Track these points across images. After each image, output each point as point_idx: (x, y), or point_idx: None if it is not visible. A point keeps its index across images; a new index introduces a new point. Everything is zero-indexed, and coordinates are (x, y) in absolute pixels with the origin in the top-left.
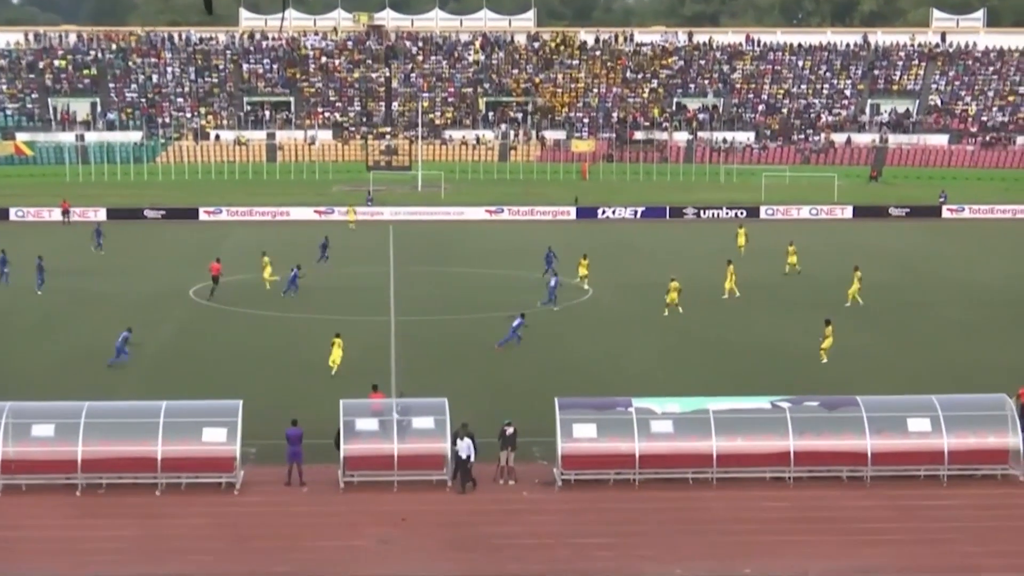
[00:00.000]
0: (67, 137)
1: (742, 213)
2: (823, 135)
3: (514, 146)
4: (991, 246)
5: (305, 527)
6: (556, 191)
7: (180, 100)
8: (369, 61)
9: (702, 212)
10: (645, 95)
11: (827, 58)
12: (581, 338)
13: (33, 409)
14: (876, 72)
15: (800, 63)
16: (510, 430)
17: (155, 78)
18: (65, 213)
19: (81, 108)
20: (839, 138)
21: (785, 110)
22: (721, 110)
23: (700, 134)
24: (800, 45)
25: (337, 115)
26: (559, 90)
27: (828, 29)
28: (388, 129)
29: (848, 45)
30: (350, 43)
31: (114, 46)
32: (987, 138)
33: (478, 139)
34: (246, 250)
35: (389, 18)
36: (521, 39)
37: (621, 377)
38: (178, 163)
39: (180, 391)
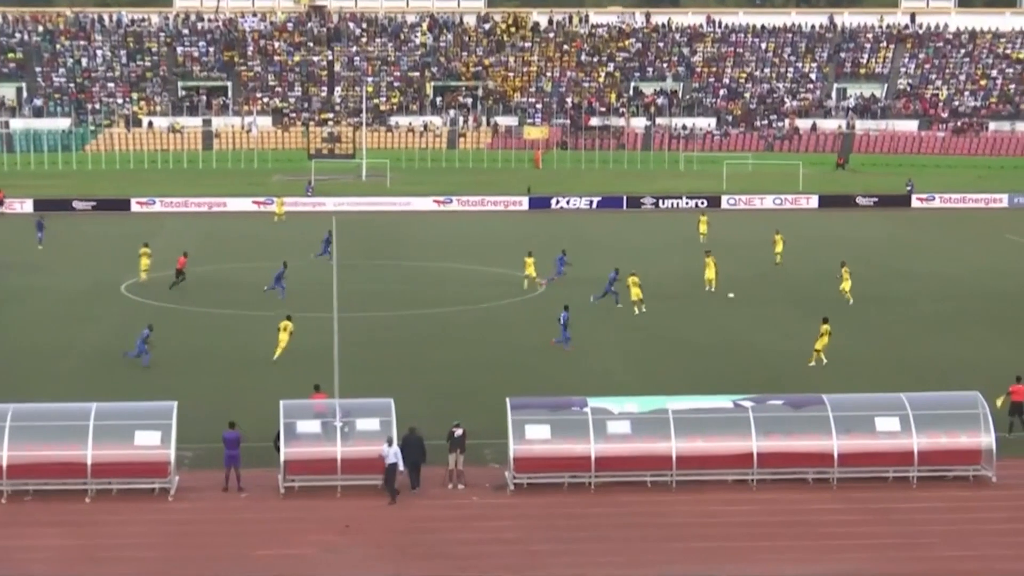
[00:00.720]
0: None
1: (703, 203)
2: (787, 121)
3: (463, 133)
4: (962, 237)
5: (244, 535)
6: (508, 180)
7: (111, 85)
8: (310, 44)
9: (661, 202)
10: (601, 79)
11: (791, 40)
12: (534, 335)
13: None
14: (843, 55)
15: (763, 45)
16: (459, 432)
17: (84, 62)
18: None
19: (6, 94)
20: (804, 124)
21: (748, 95)
22: (681, 95)
23: (659, 120)
24: (763, 27)
25: (277, 101)
26: (511, 74)
27: (793, 10)
28: (330, 115)
29: (813, 27)
30: (290, 24)
31: (41, 28)
32: (958, 124)
33: (425, 126)
34: (181, 243)
35: None
36: (471, 20)
37: (576, 375)
38: (109, 151)
39: (112, 392)
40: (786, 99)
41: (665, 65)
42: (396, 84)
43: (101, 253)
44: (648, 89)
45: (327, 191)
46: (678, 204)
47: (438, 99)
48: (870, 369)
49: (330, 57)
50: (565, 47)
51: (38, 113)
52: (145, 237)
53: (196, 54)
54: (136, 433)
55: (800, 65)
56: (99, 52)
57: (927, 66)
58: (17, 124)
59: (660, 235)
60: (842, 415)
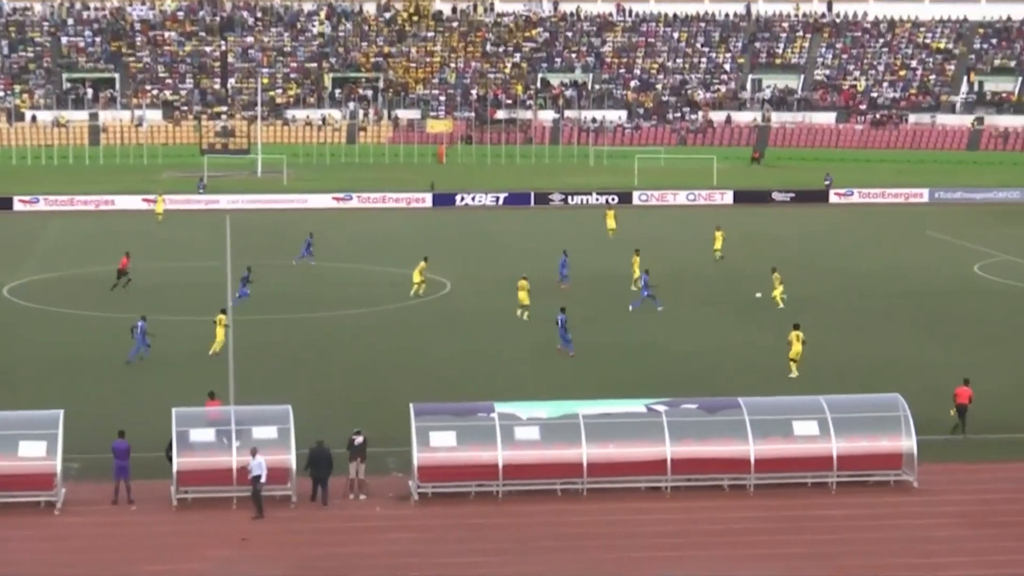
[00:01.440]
0: None
1: (613, 199)
2: (701, 114)
3: (363, 127)
4: (882, 233)
5: (135, 550)
6: (410, 176)
7: None
8: (202, 33)
9: (570, 198)
10: (507, 70)
11: (705, 30)
12: (438, 338)
13: None
14: (758, 45)
15: (676, 35)
16: (359, 439)
17: None
18: None
19: None
20: (718, 117)
21: (660, 86)
22: (590, 87)
23: (567, 113)
24: (676, 15)
25: (167, 93)
26: (413, 65)
27: None
28: (224, 109)
29: (728, 15)
30: (181, 13)
31: None
32: (877, 116)
33: (324, 119)
34: (66, 243)
35: None
36: (370, 9)
37: (482, 380)
38: None
39: None
40: (699, 91)
41: (574, 56)
42: (293, 76)
43: None
44: (556, 80)
45: (220, 188)
46: (587, 200)
47: (337, 91)
48: (785, 371)
49: (223, 47)
50: (469, 37)
51: None
52: (31, 237)
53: (82, 44)
54: (20, 443)
55: (714, 55)
56: None
57: (845, 56)
58: None
59: (569, 232)
60: (759, 419)
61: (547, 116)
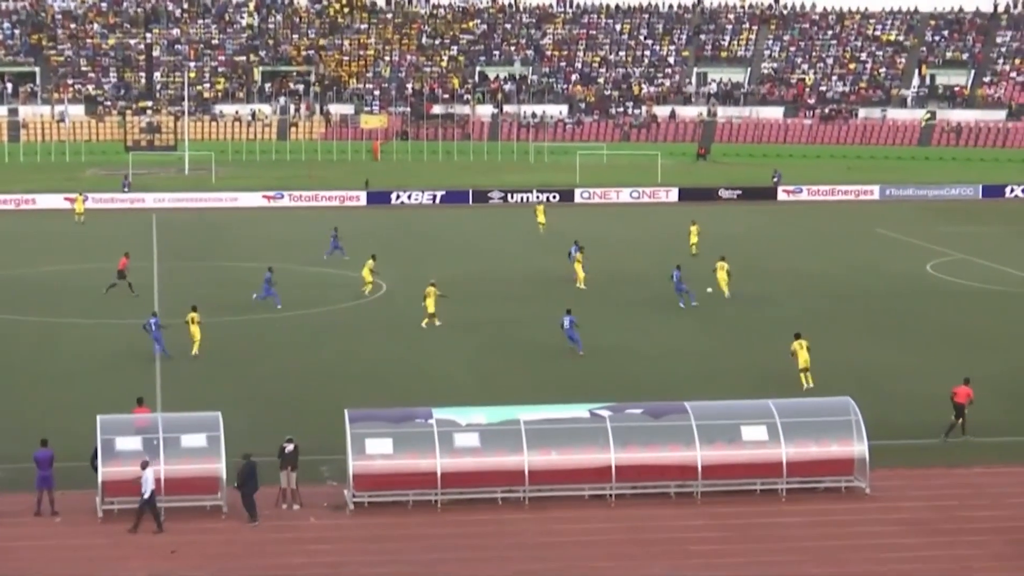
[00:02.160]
0: None
1: (554, 197)
2: (644, 108)
3: (295, 122)
4: (831, 231)
5: (59, 563)
6: (344, 173)
7: None
8: (126, 25)
9: (509, 196)
10: (444, 64)
11: (648, 21)
12: (373, 341)
13: None
14: (703, 37)
15: (618, 27)
16: (290, 447)
17: None
18: None
19: None
20: (662, 112)
21: (602, 80)
22: (529, 80)
23: (506, 108)
24: (618, 7)
25: (90, 88)
26: (346, 58)
27: None
28: (149, 104)
29: (671, 7)
30: (104, 4)
31: None
32: (826, 110)
33: (253, 114)
34: None
35: None
36: (302, 0)
37: (419, 384)
38: None
39: None
40: (643, 85)
41: (512, 48)
42: (221, 69)
43: None
44: (494, 74)
45: (146, 186)
46: (527, 198)
47: (267, 85)
48: (733, 374)
49: (148, 40)
50: (404, 29)
51: None
52: None
53: (0, 37)
54: None
55: (657, 48)
56: None
57: (792, 49)
58: None
59: (509, 231)
60: (706, 424)
61: (485, 111)
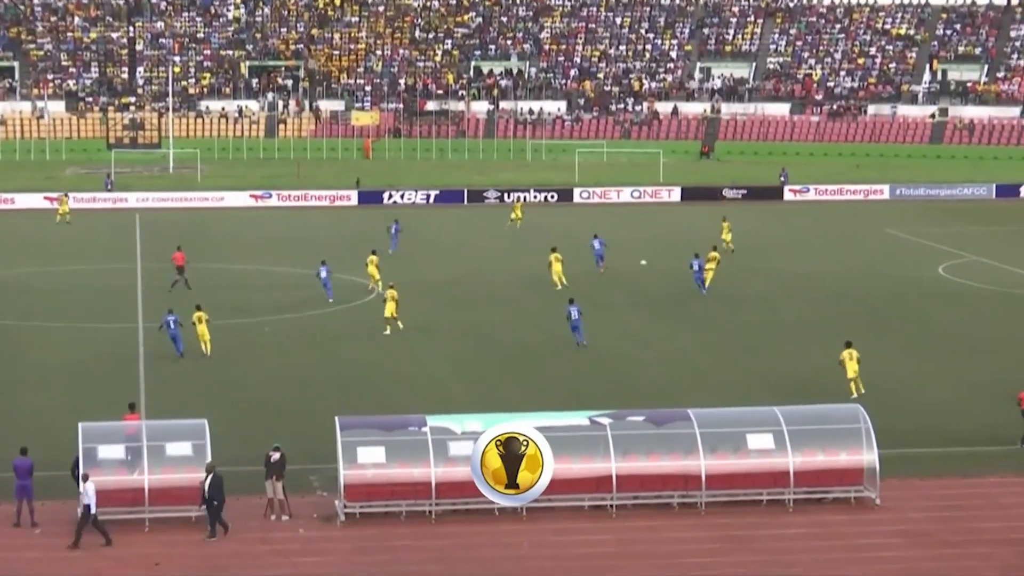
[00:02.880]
0: None
1: (553, 196)
2: (646, 105)
3: (283, 119)
4: (839, 232)
5: None
6: (334, 172)
7: None
8: (108, 18)
9: (506, 196)
10: (437, 58)
11: (650, 15)
12: (364, 346)
13: None
14: (706, 31)
15: (618, 20)
16: (276, 456)
17: None
18: None
19: None
20: (664, 108)
21: (602, 75)
22: (527, 76)
23: (502, 104)
24: None
25: (71, 83)
26: (336, 52)
27: None
28: (132, 100)
29: None
30: None
31: None
32: (834, 107)
33: (240, 111)
34: None
35: None
36: None
37: (412, 391)
38: None
39: None
40: (644, 80)
41: (509, 42)
42: (206, 64)
43: None
44: (490, 69)
45: (129, 185)
46: (525, 198)
47: (254, 81)
48: (734, 380)
49: (131, 34)
50: (396, 22)
51: None
52: None
53: None
54: None
55: (659, 42)
56: None
57: (799, 43)
58: None
59: (503, 232)
60: (710, 432)
61: (481, 107)
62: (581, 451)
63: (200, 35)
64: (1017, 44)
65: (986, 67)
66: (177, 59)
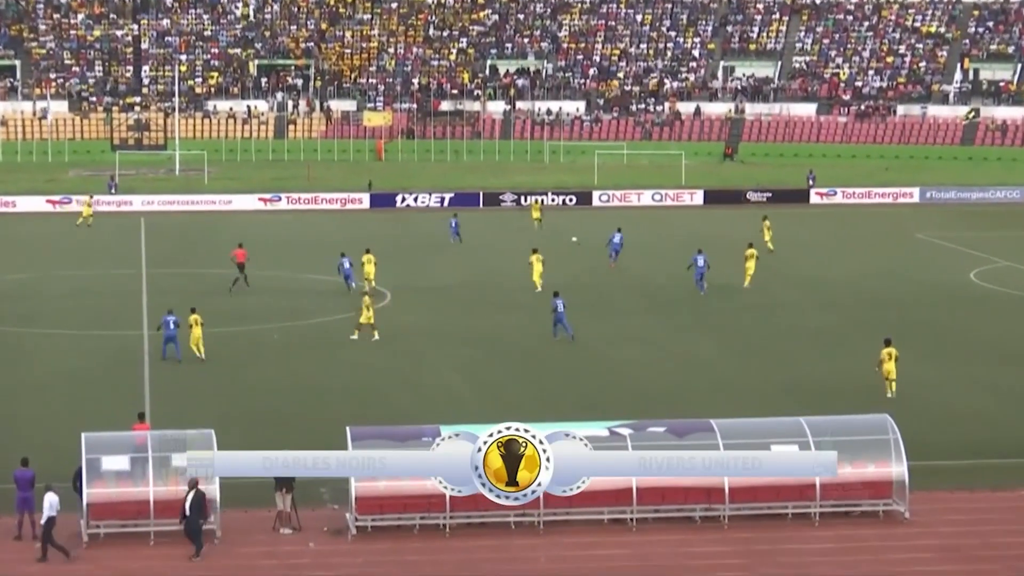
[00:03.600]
0: None
1: (571, 199)
2: (667, 105)
3: (293, 120)
4: (867, 236)
5: None
6: (345, 174)
7: None
8: (113, 16)
9: (523, 199)
10: (452, 57)
11: (671, 12)
12: (374, 353)
13: None
14: (730, 29)
15: (639, 18)
16: None
17: None
18: None
19: None
20: (686, 109)
21: (622, 75)
22: (544, 75)
23: (519, 104)
24: None
25: (74, 82)
26: (347, 51)
27: None
28: (137, 100)
29: None
30: None
31: None
32: (862, 107)
33: (249, 111)
34: None
35: None
36: None
37: (423, 399)
38: None
39: None
40: (666, 80)
41: (526, 40)
42: (214, 63)
43: None
44: (506, 68)
45: (134, 188)
46: (543, 200)
47: (263, 80)
48: (757, 389)
49: (136, 32)
50: (410, 19)
51: None
52: None
53: None
54: None
55: (681, 40)
56: None
57: (826, 41)
58: None
59: (520, 236)
60: (734, 443)
61: (497, 108)
62: None
63: (207, 33)
64: None
65: (1019, 66)
66: (183, 58)
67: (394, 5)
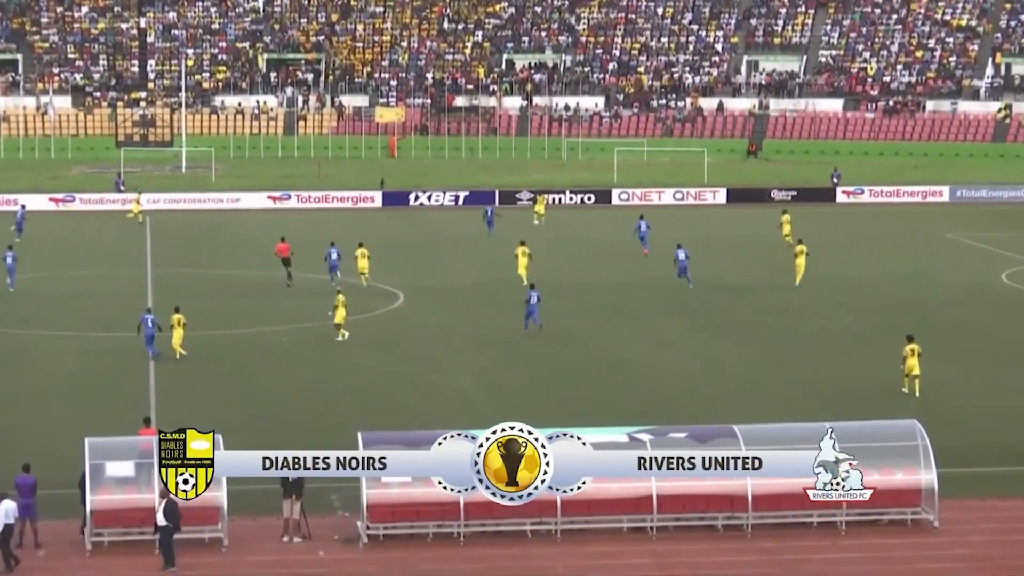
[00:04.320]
0: None
1: (590, 198)
2: (689, 101)
3: (303, 115)
4: (895, 236)
5: None
6: (357, 172)
7: None
8: (117, 8)
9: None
10: (467, 51)
11: (693, 4)
12: (385, 356)
13: None
14: (754, 22)
15: (660, 11)
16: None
17: None
18: None
19: None
20: (709, 104)
21: (642, 69)
22: (562, 70)
23: (536, 99)
24: None
25: (78, 77)
26: (359, 45)
27: None
28: (143, 95)
29: None
30: None
31: None
32: (890, 103)
33: (258, 107)
34: None
35: None
36: None
37: (436, 404)
38: None
39: None
40: (687, 75)
41: (543, 34)
42: (221, 57)
43: None
44: (523, 62)
45: (139, 185)
46: (560, 199)
47: (272, 75)
48: (781, 394)
49: (141, 25)
50: (424, 12)
51: None
52: None
53: None
54: None
55: (704, 34)
56: None
57: (853, 35)
58: None
59: (537, 235)
60: (757, 449)
61: (513, 103)
62: None
63: (215, 26)
64: None
65: None
66: (190, 52)
67: None
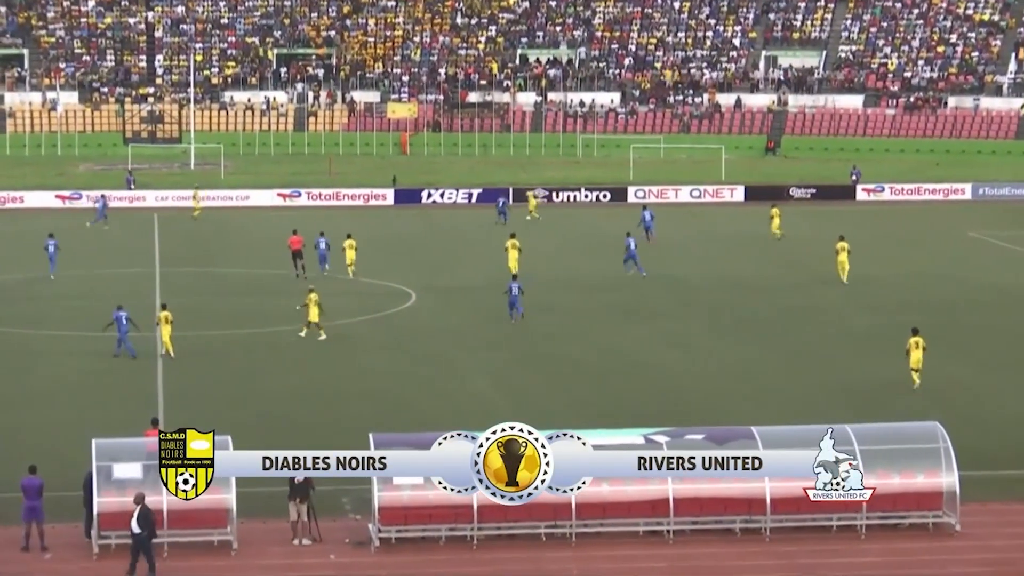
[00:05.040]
0: None
1: (605, 195)
2: (706, 97)
3: (314, 111)
4: (916, 235)
5: None
6: (368, 169)
7: None
8: (125, 2)
9: (555, 195)
10: (481, 46)
11: None
12: (397, 357)
13: None
14: (772, 16)
15: (677, 5)
16: (300, 476)
17: None
18: None
19: None
20: (726, 100)
21: (659, 65)
22: (577, 65)
23: (551, 95)
24: None
25: (84, 72)
26: (371, 40)
27: None
28: (151, 90)
29: None
30: None
31: None
32: (911, 99)
33: (268, 103)
34: None
35: None
36: None
37: (449, 406)
38: None
39: None
40: (705, 70)
41: (558, 29)
42: (231, 52)
43: None
44: (537, 58)
45: (148, 183)
46: (575, 197)
47: (283, 70)
48: (800, 395)
49: (149, 19)
50: (436, 7)
51: None
52: None
53: None
54: None
55: (721, 29)
56: None
57: (873, 30)
58: None
59: (551, 234)
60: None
61: (527, 99)
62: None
63: (224, 21)
64: None
65: None
66: (199, 46)
67: None
